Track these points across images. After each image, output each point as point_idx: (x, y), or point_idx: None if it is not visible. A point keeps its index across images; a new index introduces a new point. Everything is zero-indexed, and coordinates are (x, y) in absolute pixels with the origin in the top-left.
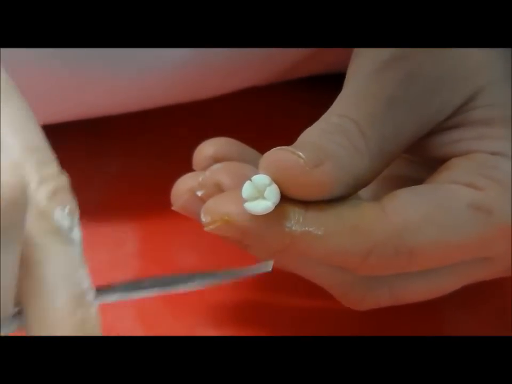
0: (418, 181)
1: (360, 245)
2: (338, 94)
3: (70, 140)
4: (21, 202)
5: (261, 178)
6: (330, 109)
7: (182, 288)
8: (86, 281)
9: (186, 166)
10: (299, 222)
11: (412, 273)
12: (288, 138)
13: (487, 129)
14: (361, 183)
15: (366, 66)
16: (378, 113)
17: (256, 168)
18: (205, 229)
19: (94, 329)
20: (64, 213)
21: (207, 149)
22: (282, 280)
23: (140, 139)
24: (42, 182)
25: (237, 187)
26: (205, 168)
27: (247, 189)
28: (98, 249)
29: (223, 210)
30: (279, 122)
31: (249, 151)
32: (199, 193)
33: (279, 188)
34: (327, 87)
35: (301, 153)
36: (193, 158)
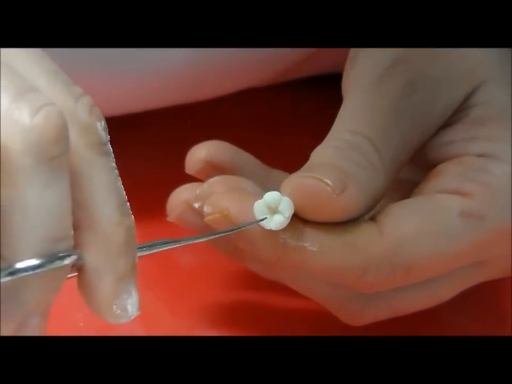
0: (419, 184)
1: (356, 262)
2: (338, 94)
3: None
4: (65, 130)
5: (272, 196)
6: (337, 123)
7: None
8: (124, 191)
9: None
10: (294, 235)
11: (408, 285)
12: (289, 138)
13: (478, 129)
14: (377, 201)
15: (366, 76)
16: (387, 125)
17: (251, 179)
18: (205, 219)
19: (134, 237)
20: (103, 126)
21: (199, 152)
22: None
23: (140, 139)
24: (77, 99)
25: None
26: (197, 171)
27: (258, 208)
28: None
29: (224, 204)
30: (279, 122)
31: (241, 154)
32: (196, 205)
33: (302, 213)
34: (327, 87)
35: (328, 181)
36: (185, 161)
